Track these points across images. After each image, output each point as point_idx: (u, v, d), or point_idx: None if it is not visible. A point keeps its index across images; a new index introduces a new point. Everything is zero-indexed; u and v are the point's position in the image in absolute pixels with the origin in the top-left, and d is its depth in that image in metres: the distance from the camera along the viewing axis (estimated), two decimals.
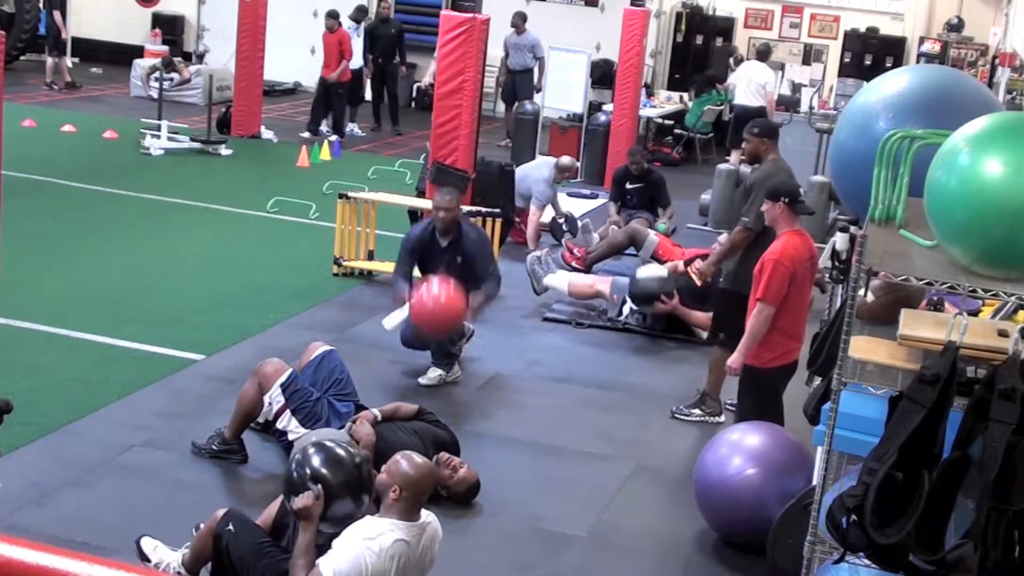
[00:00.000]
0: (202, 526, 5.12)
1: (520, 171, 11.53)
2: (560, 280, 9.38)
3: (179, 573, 4.91)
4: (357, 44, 16.41)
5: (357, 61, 16.42)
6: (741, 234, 7.05)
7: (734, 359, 6.43)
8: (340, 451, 4.71)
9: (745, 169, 13.81)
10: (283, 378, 6.05)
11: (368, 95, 17.43)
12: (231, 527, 4.71)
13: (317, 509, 4.53)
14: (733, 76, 15.39)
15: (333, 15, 16.02)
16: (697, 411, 7.33)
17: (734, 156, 15.17)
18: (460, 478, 5.90)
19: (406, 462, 4.55)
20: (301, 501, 4.53)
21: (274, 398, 6.03)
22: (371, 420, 5.99)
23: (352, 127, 16.66)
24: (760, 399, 6.46)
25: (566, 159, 11.94)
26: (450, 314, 7.15)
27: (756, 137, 7.32)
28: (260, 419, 6.16)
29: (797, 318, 6.43)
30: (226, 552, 4.67)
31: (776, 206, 6.30)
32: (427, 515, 4.59)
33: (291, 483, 4.65)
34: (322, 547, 4.47)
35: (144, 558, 4.97)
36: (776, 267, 6.20)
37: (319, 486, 4.54)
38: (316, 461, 4.62)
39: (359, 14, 16.80)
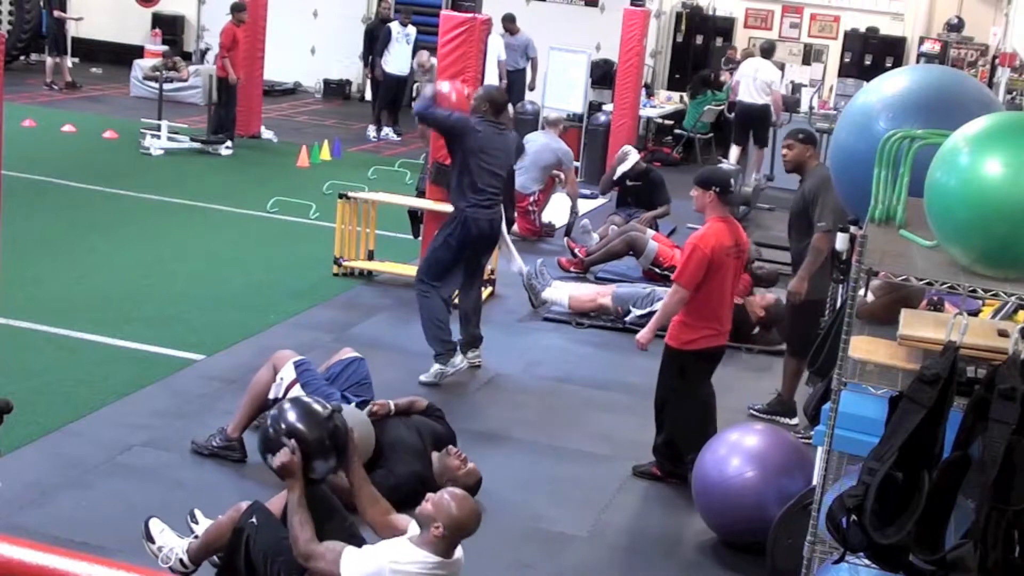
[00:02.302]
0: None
1: (530, 154, 11.63)
2: (559, 293, 9.34)
3: (181, 560, 4.88)
4: (406, 50, 16.29)
5: (404, 67, 16.35)
6: (823, 239, 6.93)
7: (642, 335, 6.41)
8: (314, 405, 4.86)
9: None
10: (298, 358, 6.20)
11: (368, 95, 17.41)
12: (255, 520, 4.66)
13: (296, 464, 4.61)
14: (736, 73, 15.27)
15: (241, 7, 14.74)
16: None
17: (734, 154, 15.15)
18: (469, 470, 5.96)
19: (454, 502, 4.43)
20: (279, 459, 4.63)
21: (286, 374, 6.11)
22: (386, 411, 6.10)
23: (387, 131, 16.69)
24: (676, 380, 6.40)
25: (551, 115, 12.82)
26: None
27: (802, 143, 7.35)
28: (270, 396, 6.14)
29: (717, 304, 6.33)
30: (245, 546, 4.63)
31: (706, 194, 6.42)
32: (459, 552, 4.51)
33: (267, 440, 4.77)
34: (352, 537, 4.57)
35: (149, 539, 4.96)
36: (694, 251, 6.22)
37: (293, 440, 4.64)
38: (291, 416, 4.77)
39: (408, 18, 16.58)
